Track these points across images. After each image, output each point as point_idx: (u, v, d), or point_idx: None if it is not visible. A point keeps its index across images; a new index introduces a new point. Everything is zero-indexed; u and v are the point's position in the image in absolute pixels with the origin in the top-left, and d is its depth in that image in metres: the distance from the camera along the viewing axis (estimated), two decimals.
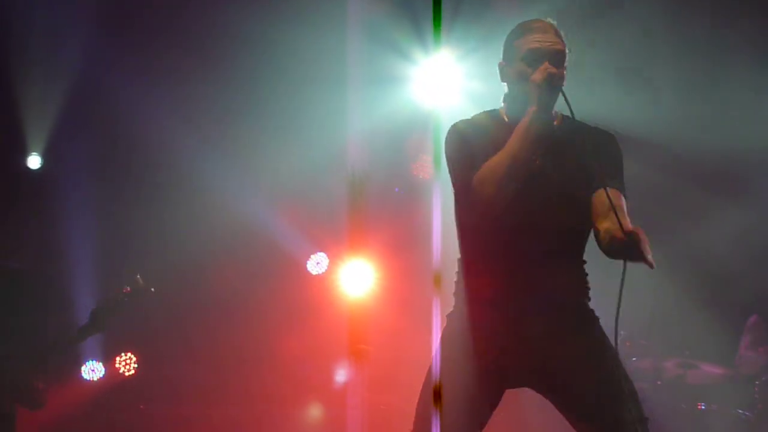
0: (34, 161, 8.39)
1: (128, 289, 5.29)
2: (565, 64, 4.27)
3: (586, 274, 4.37)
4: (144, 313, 8.10)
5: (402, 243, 7.69)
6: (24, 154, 8.31)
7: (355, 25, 7.76)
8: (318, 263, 8.32)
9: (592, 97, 6.54)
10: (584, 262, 4.37)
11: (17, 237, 5.67)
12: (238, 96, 8.19)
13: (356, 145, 7.86)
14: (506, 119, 4.36)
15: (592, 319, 4.33)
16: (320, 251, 8.31)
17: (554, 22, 4.34)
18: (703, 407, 7.41)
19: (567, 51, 4.30)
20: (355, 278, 7.92)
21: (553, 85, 4.19)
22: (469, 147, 4.32)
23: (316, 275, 8.30)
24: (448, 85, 7.81)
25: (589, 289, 4.36)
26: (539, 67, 4.22)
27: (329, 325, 7.92)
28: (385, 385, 7.55)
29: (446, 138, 4.37)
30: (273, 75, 8.09)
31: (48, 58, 7.98)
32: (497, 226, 4.30)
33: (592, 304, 4.35)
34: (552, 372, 4.19)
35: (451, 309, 4.36)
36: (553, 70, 4.19)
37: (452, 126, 4.40)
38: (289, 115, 8.19)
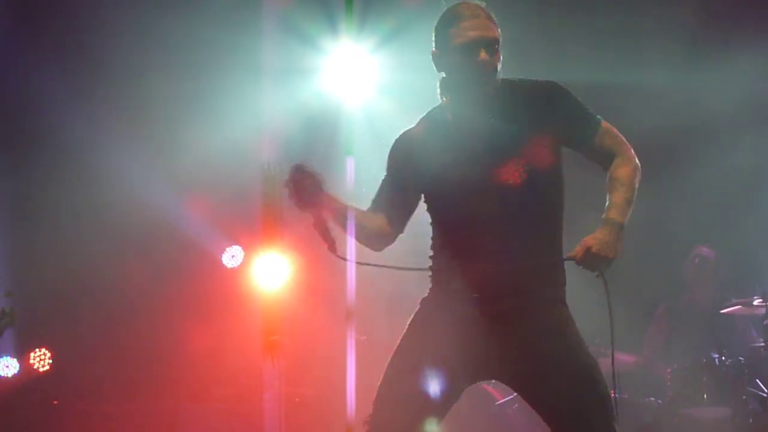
0: None
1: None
2: (498, 47, 4.29)
3: (556, 237, 4.33)
4: (58, 308, 8.09)
5: (317, 235, 7.68)
6: None
7: (269, 14, 7.74)
8: (233, 256, 8.29)
9: None
10: (554, 225, 4.34)
11: None
12: (150, 87, 8.13)
13: (270, 136, 7.84)
14: (450, 117, 4.36)
15: (561, 307, 4.33)
16: (235, 244, 8.29)
17: (483, 4, 4.35)
18: (615, 395, 7.49)
19: (499, 34, 4.30)
20: (270, 271, 7.91)
21: (483, 77, 4.22)
22: (393, 164, 4.37)
23: (231, 268, 8.29)
24: (360, 76, 7.83)
25: (562, 274, 4.34)
26: (475, 57, 4.24)
27: (245, 318, 7.90)
28: (300, 378, 7.56)
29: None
30: (185, 65, 8.04)
31: None
32: (447, 217, 4.33)
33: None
34: (523, 364, 4.20)
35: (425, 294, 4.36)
36: (486, 60, 4.20)
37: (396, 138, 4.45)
38: (203, 106, 8.15)
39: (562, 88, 4.36)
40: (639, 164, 4.31)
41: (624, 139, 4.34)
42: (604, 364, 4.42)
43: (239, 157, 7.97)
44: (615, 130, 4.34)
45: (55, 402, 8.41)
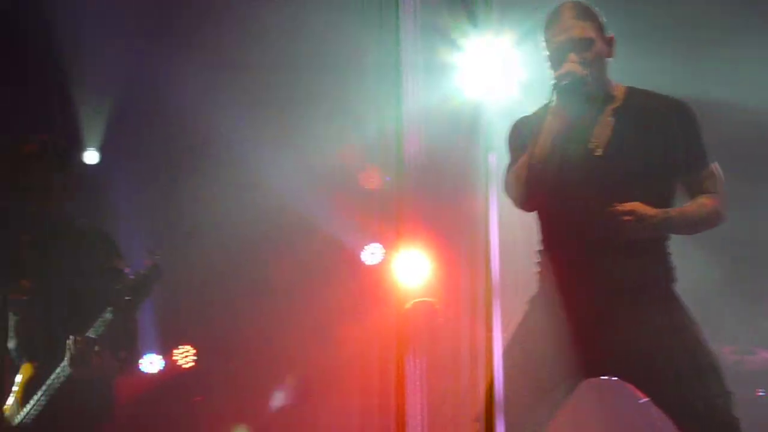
0: (91, 156, 8.43)
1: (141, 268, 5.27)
2: (597, 49, 4.25)
3: (667, 255, 4.30)
4: (202, 306, 8.19)
5: (457, 232, 7.62)
6: (81, 151, 8.35)
7: (407, 9, 7.70)
8: (373, 253, 8.29)
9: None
10: (663, 243, 4.31)
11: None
12: (290, 86, 8.17)
13: (409, 133, 7.81)
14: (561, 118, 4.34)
15: (670, 298, 4.27)
16: (375, 242, 8.28)
17: (575, 6, 4.33)
18: (762, 393, 7.31)
19: (596, 32, 4.27)
20: (410, 268, 7.87)
21: (569, 86, 4.17)
22: (515, 145, 4.35)
23: (371, 265, 8.28)
24: (502, 71, 7.73)
25: (671, 269, 4.29)
26: (563, 62, 4.22)
27: (384, 315, 7.88)
28: (440, 374, 7.51)
29: (507, 135, 4.46)
30: (324, 64, 8.06)
31: (100, 53, 8.01)
32: (558, 215, 4.30)
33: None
34: (633, 357, 4.15)
35: (533, 294, 4.36)
36: (573, 68, 4.16)
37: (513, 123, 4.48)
38: (342, 104, 8.16)
39: (693, 112, 4.31)
40: (724, 216, 4.29)
41: (722, 188, 4.29)
42: (751, 362, 4.35)
43: (379, 154, 7.96)
44: (720, 173, 4.31)
45: (198, 398, 8.51)
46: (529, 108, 4.69)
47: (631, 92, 4.38)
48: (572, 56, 4.21)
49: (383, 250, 8.24)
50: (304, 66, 8.11)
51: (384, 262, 8.18)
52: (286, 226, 8.24)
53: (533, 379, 4.19)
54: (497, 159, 4.59)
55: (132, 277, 5.22)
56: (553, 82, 4.22)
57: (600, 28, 4.34)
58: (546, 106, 4.36)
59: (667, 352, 4.14)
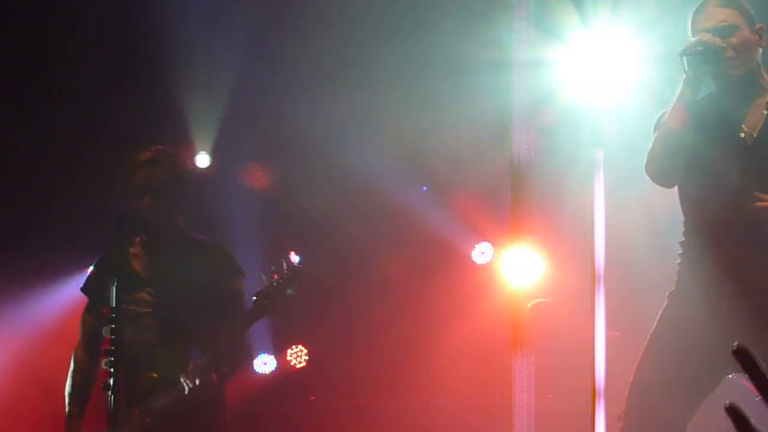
0: (202, 160, 8.54)
1: (285, 268, 5.25)
2: (742, 35, 4.21)
3: None
4: (313, 306, 8.23)
5: (566, 229, 7.54)
6: (193, 154, 8.46)
7: (517, 4, 7.64)
8: (482, 252, 8.25)
9: None
10: None
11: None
12: (397, 86, 8.16)
13: (519, 130, 7.75)
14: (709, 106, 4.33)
15: None
16: (485, 240, 8.24)
17: None
18: None
19: (743, 20, 4.23)
20: (519, 267, 7.82)
21: (701, 56, 4.13)
22: (656, 126, 4.36)
23: (480, 265, 8.25)
24: (611, 68, 7.61)
25: None
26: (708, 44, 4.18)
27: (494, 315, 7.84)
28: (550, 380, 7.43)
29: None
30: (429, 62, 8.05)
31: (209, 57, 8.11)
32: (702, 200, 4.24)
33: None
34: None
35: (672, 288, 4.31)
36: (706, 38, 4.14)
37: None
38: (450, 101, 8.13)
39: None
40: None
41: None
42: None
43: (487, 152, 7.92)
44: None
45: (312, 398, 8.56)
46: (638, 105, 4.66)
47: None
48: (709, 36, 4.20)
49: (492, 249, 8.20)
50: (415, 65, 8.11)
51: (493, 261, 8.14)
52: (396, 226, 8.25)
53: (673, 374, 4.14)
54: (604, 155, 4.56)
55: (274, 282, 5.23)
56: (683, 54, 4.19)
57: (748, 17, 4.31)
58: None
59: None
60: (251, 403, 7.86)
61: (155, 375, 5.20)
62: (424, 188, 8.51)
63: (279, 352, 8.51)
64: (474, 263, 8.26)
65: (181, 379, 5.06)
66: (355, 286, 8.40)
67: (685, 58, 4.19)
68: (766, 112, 4.25)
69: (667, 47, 4.65)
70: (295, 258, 5.27)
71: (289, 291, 5.21)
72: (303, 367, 8.63)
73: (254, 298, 5.20)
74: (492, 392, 7.73)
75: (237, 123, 8.43)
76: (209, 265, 5.39)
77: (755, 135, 4.22)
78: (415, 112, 8.23)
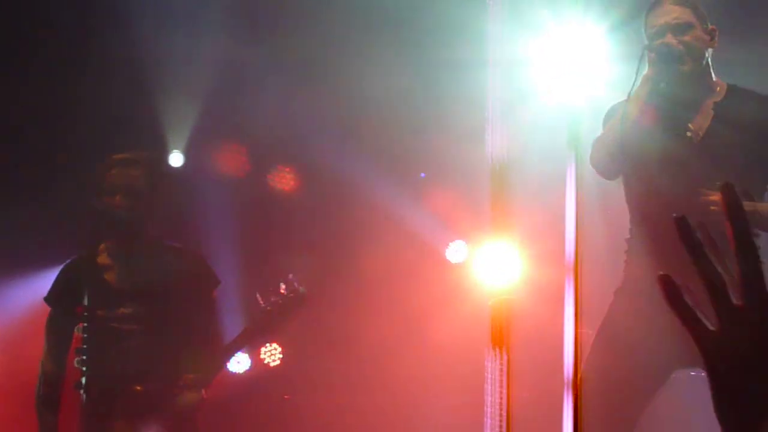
0: (176, 159, 8.47)
1: (283, 289, 5.25)
2: (695, 33, 4.25)
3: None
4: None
5: (545, 229, 7.54)
6: (166, 153, 8.39)
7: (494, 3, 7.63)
8: (457, 251, 8.23)
9: None
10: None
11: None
12: (379, 84, 8.14)
13: (494, 129, 7.74)
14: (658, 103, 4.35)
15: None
16: (459, 239, 8.23)
17: None
18: None
19: (696, 19, 4.28)
20: (495, 266, 7.80)
21: (663, 55, 4.18)
22: (606, 119, 4.39)
23: (455, 264, 8.23)
24: (588, 66, 7.61)
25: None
26: (663, 39, 4.22)
27: (470, 314, 7.83)
28: (526, 378, 7.44)
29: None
30: (407, 61, 8.03)
31: (185, 55, 8.06)
32: (646, 197, 4.27)
33: None
34: None
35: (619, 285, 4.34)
36: (669, 40, 4.19)
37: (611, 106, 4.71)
38: (428, 100, 8.12)
39: None
40: None
41: None
42: None
43: (463, 150, 7.91)
44: None
45: (286, 396, 8.53)
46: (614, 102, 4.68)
47: (733, 89, 4.38)
48: (669, 36, 4.24)
49: (467, 247, 8.19)
50: (392, 63, 8.09)
51: (468, 260, 8.13)
52: (372, 224, 8.23)
53: (620, 371, 4.16)
54: (581, 153, 4.57)
55: (275, 300, 5.22)
56: (647, 50, 4.23)
57: (700, 17, 4.36)
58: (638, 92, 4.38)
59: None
60: (225, 402, 7.82)
61: (139, 388, 5.20)
62: (422, 174, 8.46)
63: (252, 350, 8.46)
64: (448, 262, 8.25)
65: (176, 396, 5.08)
66: (330, 284, 8.36)
67: (648, 56, 4.23)
68: (713, 113, 4.30)
69: (641, 45, 4.69)
70: (294, 281, 5.27)
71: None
72: (277, 365, 8.59)
73: (254, 319, 5.22)
74: (467, 391, 7.72)
75: (211, 121, 8.38)
76: (184, 275, 5.39)
77: (701, 134, 4.27)
78: (391, 109, 8.21)
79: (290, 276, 5.30)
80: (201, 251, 5.78)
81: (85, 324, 5.08)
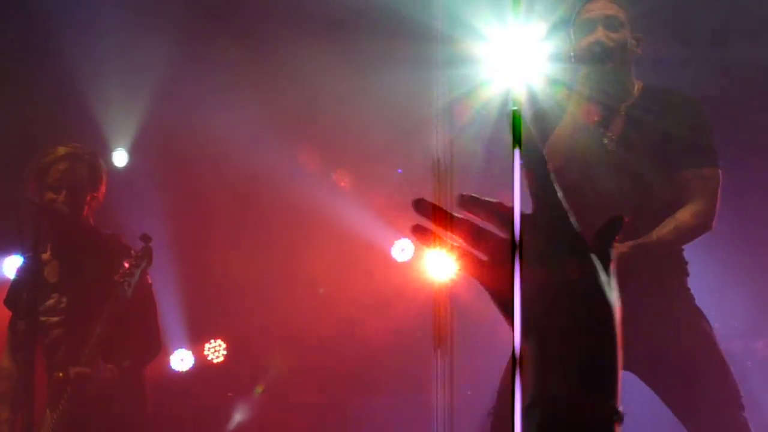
0: (120, 158, 8.37)
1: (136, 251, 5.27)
2: (625, 34, 4.28)
3: (680, 250, 4.29)
4: (231, 300, 8.18)
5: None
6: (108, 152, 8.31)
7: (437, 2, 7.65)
8: (403, 250, 8.23)
9: None
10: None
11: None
12: (321, 83, 8.13)
13: (439, 126, 7.76)
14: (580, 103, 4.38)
15: (680, 297, 4.25)
16: (404, 237, 8.23)
17: None
18: None
19: (625, 13, 4.31)
20: (441, 264, 7.82)
21: (599, 55, 4.20)
22: (537, 129, 4.39)
23: (401, 262, 8.23)
24: (530, 65, 7.66)
25: (684, 264, 4.28)
26: (592, 34, 4.25)
27: (415, 313, 7.85)
28: (470, 371, 7.47)
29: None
30: (355, 58, 8.03)
31: (125, 57, 8.00)
32: (573, 206, 4.29)
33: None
34: (641, 355, 4.13)
35: None
36: (602, 36, 4.21)
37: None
38: (372, 98, 8.11)
39: (704, 110, 4.31)
40: (709, 226, 4.23)
41: (716, 195, 4.23)
42: None
43: (407, 148, 7.93)
44: (718, 180, 4.24)
45: (230, 394, 8.49)
46: (557, 102, 4.70)
47: (648, 89, 4.40)
48: (601, 29, 4.26)
49: (413, 247, 8.19)
50: (334, 62, 8.08)
51: (414, 259, 8.14)
52: (316, 222, 8.21)
53: None
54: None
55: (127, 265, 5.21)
56: (579, 50, 4.24)
57: (630, 21, 4.38)
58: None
59: (680, 349, 4.13)
60: (168, 400, 7.78)
61: (61, 374, 5.18)
62: (399, 170, 8.44)
63: (195, 346, 8.41)
64: (394, 260, 8.25)
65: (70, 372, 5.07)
66: (274, 281, 8.35)
67: (580, 57, 4.25)
68: (624, 116, 4.33)
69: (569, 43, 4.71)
70: (146, 238, 5.27)
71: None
72: (221, 362, 8.55)
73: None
74: (412, 390, 7.74)
75: (155, 121, 8.32)
76: (109, 258, 5.38)
77: (616, 141, 4.30)
78: (334, 108, 8.20)
79: (144, 235, 5.31)
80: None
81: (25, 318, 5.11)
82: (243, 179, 8.23)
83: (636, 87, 4.43)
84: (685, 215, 4.23)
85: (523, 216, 1.32)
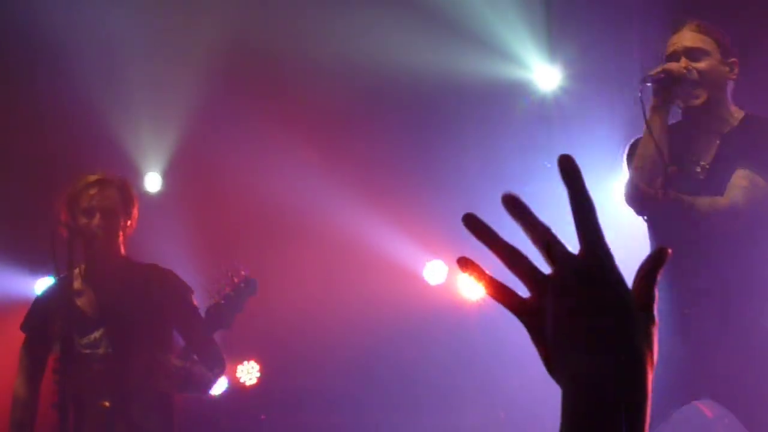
0: (154, 182, 8.42)
1: (237, 280, 5.31)
2: (711, 62, 4.28)
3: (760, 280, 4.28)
4: (267, 323, 8.18)
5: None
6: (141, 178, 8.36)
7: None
8: (435, 272, 8.20)
9: None
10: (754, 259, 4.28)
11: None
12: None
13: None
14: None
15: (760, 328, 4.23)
16: (437, 258, 8.21)
17: (698, 21, 4.45)
18: None
19: (710, 47, 4.29)
20: (474, 285, 7.81)
21: (667, 81, 4.20)
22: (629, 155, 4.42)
23: (435, 285, 8.22)
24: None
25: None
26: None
27: (449, 335, 7.85)
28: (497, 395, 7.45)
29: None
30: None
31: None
32: (664, 232, 4.29)
33: None
34: (726, 381, 4.12)
35: None
36: (670, 65, 4.21)
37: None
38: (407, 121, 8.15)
39: None
40: (736, 209, 4.22)
41: (751, 191, 4.19)
42: None
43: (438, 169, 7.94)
44: (761, 193, 4.18)
45: (263, 417, 8.48)
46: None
47: (749, 118, 4.39)
48: (684, 60, 4.28)
49: (446, 268, 8.16)
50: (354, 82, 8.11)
51: (449, 281, 8.13)
52: (349, 247, 8.20)
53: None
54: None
55: (230, 292, 5.27)
56: (649, 77, 4.25)
57: (721, 48, 4.36)
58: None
59: (753, 382, 4.11)
60: (201, 422, 7.78)
61: (107, 404, 5.23)
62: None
63: (229, 368, 8.39)
64: (427, 283, 8.24)
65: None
66: (310, 305, 8.33)
67: (649, 85, 4.26)
68: (718, 143, 4.32)
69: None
70: (243, 270, 5.33)
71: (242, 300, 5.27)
72: (254, 384, 8.54)
73: (206, 311, 5.27)
74: (447, 411, 7.74)
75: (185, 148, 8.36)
76: (158, 289, 5.49)
77: (707, 167, 4.30)
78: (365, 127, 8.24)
79: (238, 267, 5.36)
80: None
81: (60, 347, 5.13)
82: (271, 204, 8.25)
83: (736, 114, 4.43)
84: (722, 200, 4.23)
85: (564, 254, 1.33)
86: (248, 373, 8.50)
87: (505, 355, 7.45)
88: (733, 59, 4.41)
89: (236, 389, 8.41)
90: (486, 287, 1.39)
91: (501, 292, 1.38)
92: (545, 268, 1.34)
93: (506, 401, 7.65)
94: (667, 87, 4.27)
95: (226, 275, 5.34)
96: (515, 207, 1.35)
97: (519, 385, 7.37)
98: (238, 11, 7.87)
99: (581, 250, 1.32)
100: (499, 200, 1.36)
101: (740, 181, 4.22)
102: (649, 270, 1.35)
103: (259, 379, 8.52)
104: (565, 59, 7.70)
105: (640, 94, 4.29)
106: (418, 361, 8.02)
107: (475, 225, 1.38)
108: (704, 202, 4.21)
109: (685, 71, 4.27)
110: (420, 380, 8.02)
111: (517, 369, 7.24)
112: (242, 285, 5.29)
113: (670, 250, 1.31)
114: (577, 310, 1.30)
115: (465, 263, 1.39)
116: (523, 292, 1.36)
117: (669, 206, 4.23)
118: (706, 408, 7.51)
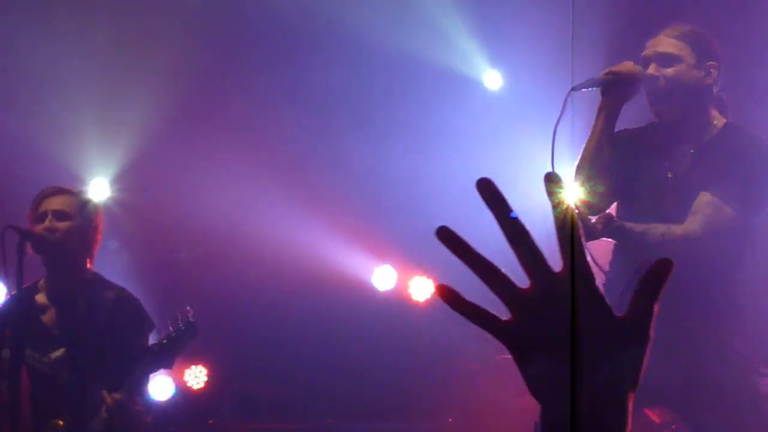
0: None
1: (179, 323, 5.33)
2: (682, 68, 4.26)
3: (734, 283, 4.27)
4: (216, 327, 8.14)
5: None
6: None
7: None
8: (383, 278, 8.20)
9: None
10: (733, 268, 4.30)
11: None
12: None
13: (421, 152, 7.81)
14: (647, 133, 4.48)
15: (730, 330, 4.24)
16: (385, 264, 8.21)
17: (678, 26, 4.45)
18: None
19: (684, 53, 4.28)
20: (425, 290, 7.84)
21: (616, 82, 4.21)
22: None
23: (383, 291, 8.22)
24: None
25: (734, 300, 4.26)
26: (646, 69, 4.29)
27: (398, 340, 7.85)
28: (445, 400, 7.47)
29: None
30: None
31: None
32: (623, 254, 4.29)
33: None
34: (679, 391, 4.13)
35: None
36: (621, 67, 4.21)
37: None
38: (358, 122, 8.15)
39: (757, 150, 4.27)
40: (691, 238, 4.18)
41: (713, 228, 4.16)
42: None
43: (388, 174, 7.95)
44: (723, 218, 4.16)
45: (210, 421, 8.44)
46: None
47: (728, 128, 4.36)
48: (653, 66, 4.27)
49: (395, 274, 8.16)
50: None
51: (397, 287, 8.13)
52: (295, 255, 8.17)
53: None
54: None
55: (171, 333, 5.29)
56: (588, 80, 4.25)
57: (697, 53, 4.32)
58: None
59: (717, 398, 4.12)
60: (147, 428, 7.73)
61: (60, 423, 5.23)
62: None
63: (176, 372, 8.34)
64: (375, 290, 8.24)
65: (103, 412, 5.10)
66: (258, 310, 8.31)
67: (585, 90, 4.26)
68: (693, 151, 4.31)
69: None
70: (190, 312, 5.35)
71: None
72: (201, 388, 8.49)
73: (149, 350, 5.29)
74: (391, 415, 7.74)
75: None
76: (122, 318, 5.49)
77: (679, 172, 4.29)
78: (312, 139, 8.24)
79: (187, 308, 5.37)
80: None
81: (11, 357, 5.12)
82: (217, 217, 8.22)
83: (716, 123, 4.39)
84: (677, 229, 4.21)
85: (547, 273, 1.31)
86: (196, 377, 8.44)
87: (454, 360, 7.47)
88: (711, 62, 4.37)
89: (184, 393, 8.36)
90: (467, 315, 1.33)
91: (481, 318, 1.33)
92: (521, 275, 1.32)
93: (455, 406, 7.66)
94: (616, 88, 4.27)
95: (173, 316, 5.36)
96: (490, 193, 1.30)
97: (467, 389, 7.39)
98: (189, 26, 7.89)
99: (562, 269, 1.29)
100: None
101: (703, 208, 4.18)
102: (647, 285, 1.33)
103: (206, 383, 8.46)
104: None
105: (563, 103, 4.25)
106: (366, 367, 8.01)
107: (449, 239, 1.32)
108: (657, 231, 4.16)
109: (636, 72, 4.27)
110: (369, 386, 8.01)
111: (466, 374, 7.27)
112: (182, 328, 5.29)
113: (674, 261, 1.28)
114: (551, 330, 1.28)
115: (443, 291, 1.33)
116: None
117: (612, 236, 4.21)
118: (653, 414, 7.58)
